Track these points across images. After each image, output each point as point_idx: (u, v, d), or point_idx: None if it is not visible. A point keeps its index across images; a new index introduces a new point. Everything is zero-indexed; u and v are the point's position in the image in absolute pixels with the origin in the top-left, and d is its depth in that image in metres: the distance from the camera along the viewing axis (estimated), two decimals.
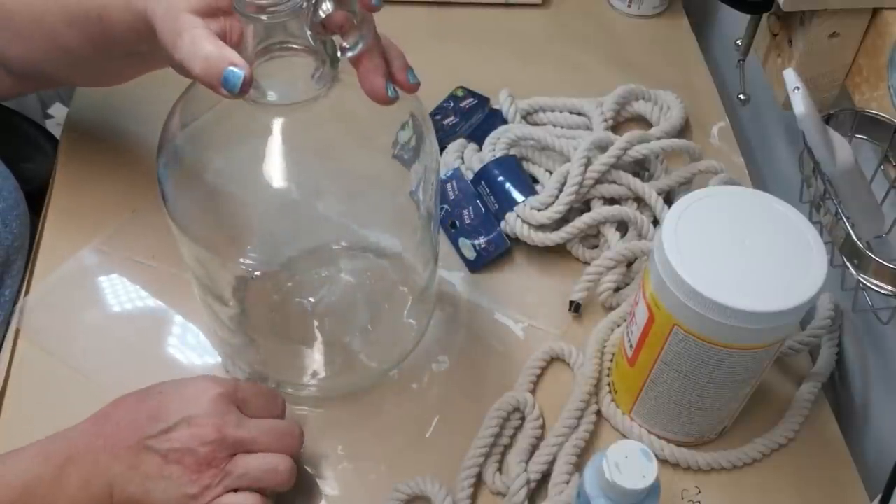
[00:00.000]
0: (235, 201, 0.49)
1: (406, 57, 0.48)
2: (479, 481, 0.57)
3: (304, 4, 0.42)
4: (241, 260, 0.55)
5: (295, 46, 0.44)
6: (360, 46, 0.44)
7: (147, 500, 0.49)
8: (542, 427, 0.59)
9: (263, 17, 0.41)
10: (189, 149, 0.49)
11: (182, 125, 0.49)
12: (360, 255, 0.61)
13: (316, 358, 0.61)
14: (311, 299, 0.61)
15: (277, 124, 0.46)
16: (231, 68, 0.41)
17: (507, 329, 0.65)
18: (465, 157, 0.73)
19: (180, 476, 0.49)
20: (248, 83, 0.42)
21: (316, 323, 0.60)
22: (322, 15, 0.42)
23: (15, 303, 0.64)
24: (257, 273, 0.58)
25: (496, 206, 0.69)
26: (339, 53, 0.44)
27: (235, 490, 0.50)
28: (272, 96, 0.45)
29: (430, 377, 0.63)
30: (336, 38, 0.44)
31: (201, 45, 0.42)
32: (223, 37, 0.44)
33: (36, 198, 0.71)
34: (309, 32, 0.43)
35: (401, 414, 0.61)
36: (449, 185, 0.70)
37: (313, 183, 0.49)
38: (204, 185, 0.49)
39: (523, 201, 0.67)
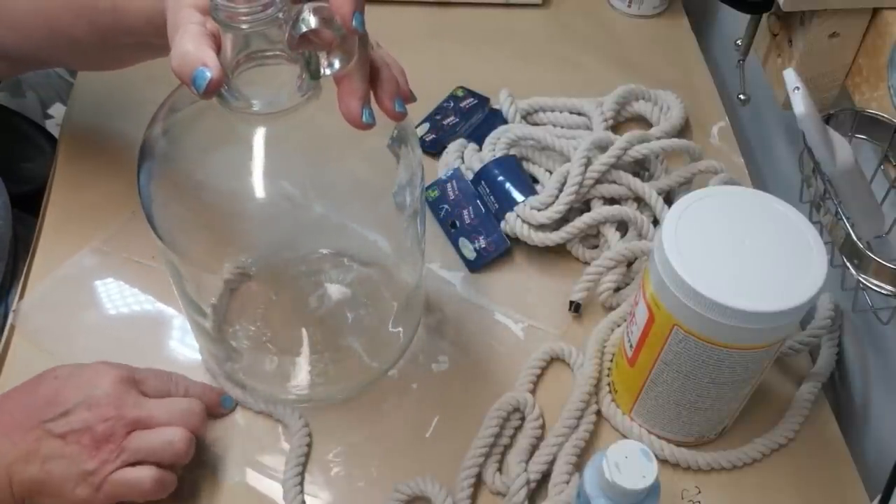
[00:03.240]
0: (217, 211, 0.49)
1: (404, 76, 0.47)
2: (479, 481, 0.57)
3: (281, 15, 0.41)
4: (224, 269, 0.54)
5: (279, 54, 0.43)
6: (337, 66, 0.43)
7: (48, 481, 0.50)
8: (542, 427, 0.59)
9: (243, 26, 0.41)
10: (169, 158, 0.48)
11: (162, 136, 0.48)
12: (346, 261, 0.61)
13: (301, 368, 0.61)
14: (296, 308, 0.60)
15: (260, 133, 0.46)
16: (202, 68, 0.41)
17: (507, 329, 0.65)
18: (465, 157, 0.73)
19: (79, 454, 0.50)
20: (215, 85, 0.42)
21: (302, 332, 0.60)
22: (303, 28, 0.41)
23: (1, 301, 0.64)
24: (242, 279, 0.58)
25: (496, 206, 0.69)
26: (320, 70, 0.44)
27: (134, 465, 0.51)
28: (255, 105, 0.44)
29: (430, 377, 0.63)
30: (322, 54, 0.43)
31: (184, 41, 0.42)
32: (217, 36, 0.44)
33: (35, 198, 0.71)
34: (286, 45, 0.42)
35: (401, 414, 0.61)
36: (449, 185, 0.70)
37: (297, 190, 0.49)
38: (185, 194, 0.49)
39: (523, 201, 0.67)
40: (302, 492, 0.56)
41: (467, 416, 0.59)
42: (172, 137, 0.49)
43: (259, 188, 0.47)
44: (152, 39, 0.52)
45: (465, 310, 0.66)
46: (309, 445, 0.58)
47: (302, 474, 0.57)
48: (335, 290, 0.61)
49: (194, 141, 0.49)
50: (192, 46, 0.42)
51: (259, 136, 0.46)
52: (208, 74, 0.41)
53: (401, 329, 0.62)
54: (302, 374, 0.61)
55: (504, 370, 0.63)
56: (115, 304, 0.65)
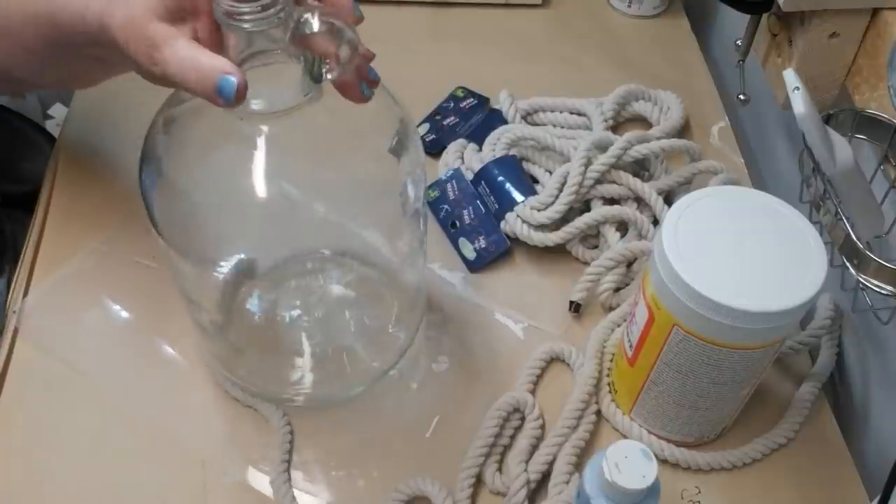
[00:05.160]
0: (218, 210, 0.49)
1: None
2: (478, 481, 0.57)
3: (282, 14, 0.41)
4: (226, 270, 0.54)
5: (282, 54, 0.43)
6: (337, 72, 0.43)
7: None
8: (542, 427, 0.59)
9: (245, 25, 0.41)
10: (171, 159, 0.48)
11: (164, 136, 0.48)
12: (347, 261, 0.61)
13: (302, 368, 0.61)
14: (297, 309, 0.60)
15: (261, 132, 0.46)
16: (225, 76, 0.40)
17: (507, 329, 0.65)
18: (465, 157, 0.73)
19: None
20: (244, 90, 0.41)
21: (302, 332, 0.60)
22: (306, 31, 0.41)
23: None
24: (242, 282, 0.58)
25: (496, 206, 0.69)
26: (322, 75, 0.43)
27: None
28: (256, 105, 0.44)
29: (430, 377, 0.62)
30: (324, 59, 0.43)
31: (191, 56, 0.41)
32: (196, 40, 0.43)
33: (35, 198, 0.71)
34: (288, 45, 0.42)
35: (400, 414, 0.61)
36: (449, 185, 0.70)
37: (298, 190, 0.49)
38: (187, 195, 0.49)
39: (523, 201, 0.67)
40: (290, 486, 0.56)
41: (467, 416, 0.59)
42: (174, 136, 0.49)
43: (260, 187, 0.47)
44: (94, 52, 0.50)
45: (465, 310, 0.66)
46: (291, 442, 0.58)
47: (288, 471, 0.57)
48: (336, 291, 0.61)
49: (196, 140, 0.49)
50: (205, 58, 0.41)
51: (261, 136, 0.46)
52: (234, 80, 0.40)
53: (401, 329, 0.62)
54: (302, 374, 0.61)
55: (504, 370, 0.63)
56: (115, 304, 0.65)
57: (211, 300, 0.57)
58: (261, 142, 0.46)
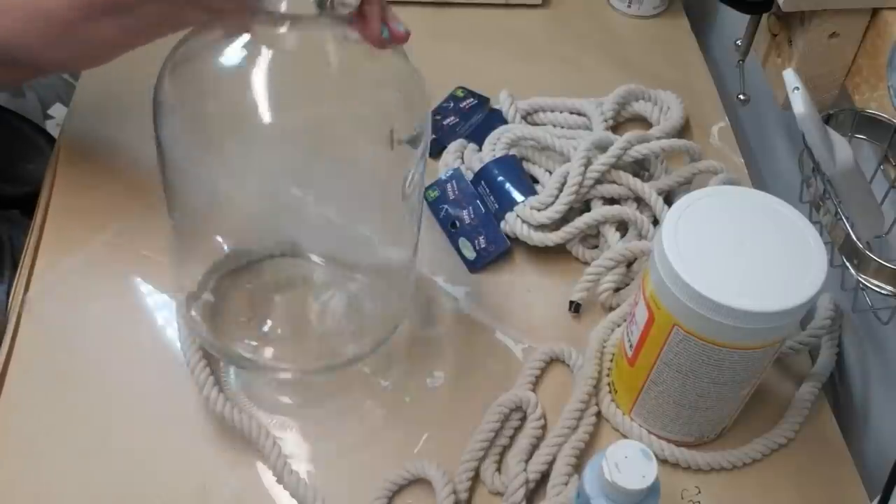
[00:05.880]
0: (227, 144, 0.49)
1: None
2: (476, 475, 0.57)
3: None
4: (219, 243, 0.54)
5: None
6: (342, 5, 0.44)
7: None
8: (544, 427, 0.59)
9: None
10: (178, 91, 0.48)
11: (172, 76, 0.48)
12: (342, 260, 0.61)
13: (292, 363, 0.61)
14: (292, 306, 0.61)
15: (274, 62, 0.45)
16: None
17: (507, 349, 0.64)
18: (465, 157, 0.73)
19: None
20: None
21: (293, 312, 0.60)
22: None
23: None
24: (237, 274, 0.58)
25: (496, 206, 0.69)
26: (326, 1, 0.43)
27: None
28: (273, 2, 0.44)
29: (424, 392, 0.62)
30: None
31: None
32: None
33: (33, 200, 0.71)
34: None
35: (391, 426, 0.60)
36: (449, 185, 0.70)
37: (295, 170, 0.49)
38: (195, 125, 0.48)
39: (523, 201, 0.67)
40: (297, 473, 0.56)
41: (456, 434, 0.59)
42: (180, 79, 0.48)
43: (262, 182, 0.47)
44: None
45: (466, 325, 0.66)
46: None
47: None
48: (330, 292, 0.61)
49: (204, 78, 0.49)
50: None
51: (271, 69, 0.45)
52: None
53: (394, 330, 0.61)
54: (294, 375, 0.61)
55: (499, 390, 0.61)
56: (122, 296, 0.65)
57: (205, 291, 0.57)
58: (266, 114, 0.46)
